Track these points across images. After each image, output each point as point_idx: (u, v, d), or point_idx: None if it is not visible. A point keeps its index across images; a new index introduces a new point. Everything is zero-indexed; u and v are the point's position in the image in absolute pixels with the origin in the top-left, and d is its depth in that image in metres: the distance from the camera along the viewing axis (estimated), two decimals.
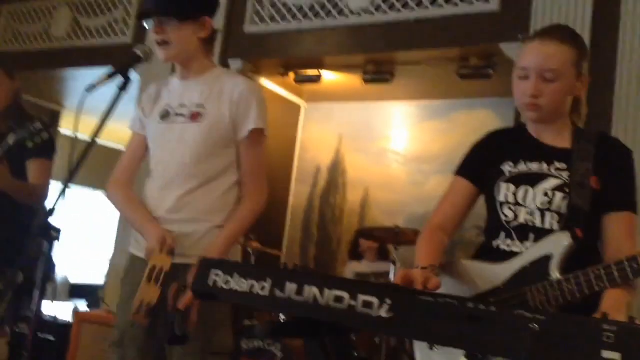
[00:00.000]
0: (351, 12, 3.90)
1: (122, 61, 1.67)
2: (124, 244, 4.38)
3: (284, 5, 4.15)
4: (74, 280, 7.64)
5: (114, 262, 4.49)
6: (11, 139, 2.21)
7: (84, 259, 7.33)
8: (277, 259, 4.74)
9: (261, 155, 1.89)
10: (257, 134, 1.85)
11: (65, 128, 5.89)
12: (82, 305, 5.89)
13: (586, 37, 3.09)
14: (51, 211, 1.50)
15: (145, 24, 1.85)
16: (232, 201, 1.86)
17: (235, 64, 4.21)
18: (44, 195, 2.49)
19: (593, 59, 3.09)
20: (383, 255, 4.44)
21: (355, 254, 4.52)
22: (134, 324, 1.77)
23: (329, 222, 5.25)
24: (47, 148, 2.49)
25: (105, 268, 6.29)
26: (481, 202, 1.72)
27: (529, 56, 1.55)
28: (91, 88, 1.55)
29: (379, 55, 4.10)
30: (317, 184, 5.34)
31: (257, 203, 1.86)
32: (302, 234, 5.32)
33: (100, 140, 1.58)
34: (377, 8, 3.81)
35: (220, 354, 1.80)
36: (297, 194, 5.39)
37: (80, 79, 5.33)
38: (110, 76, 1.62)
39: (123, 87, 1.64)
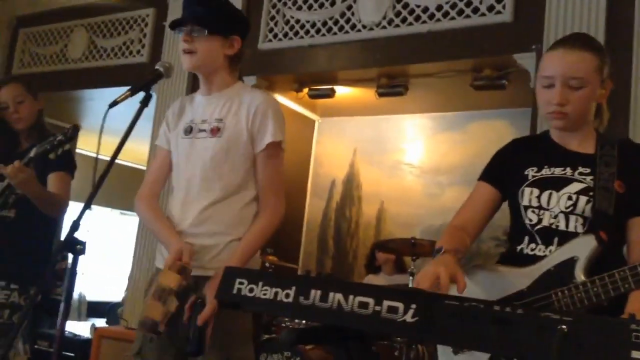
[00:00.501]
0: (363, 26, 3.93)
1: (144, 77, 1.70)
2: (142, 262, 4.42)
3: (297, 21, 4.20)
4: (91, 298, 7.70)
5: (133, 279, 4.51)
6: (33, 152, 2.27)
7: (101, 278, 7.38)
8: (294, 272, 4.74)
9: (278, 168, 1.91)
10: (274, 147, 1.87)
11: (83, 149, 5.96)
12: (100, 323, 5.92)
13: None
14: (76, 225, 1.52)
15: (177, 33, 1.89)
16: (252, 214, 1.87)
17: (250, 80, 4.25)
18: (64, 207, 2.52)
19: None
20: (400, 267, 4.43)
21: (372, 267, 4.51)
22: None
23: (344, 236, 5.25)
24: (67, 161, 2.56)
25: (122, 286, 6.33)
26: (500, 213, 1.72)
27: (553, 65, 1.56)
28: (114, 104, 1.58)
29: (392, 69, 4.12)
30: (332, 198, 5.35)
31: (275, 216, 1.87)
32: (318, 248, 5.33)
33: (97, 155, 1.61)
34: (390, 22, 3.84)
35: None
36: (313, 208, 5.40)
37: (97, 99, 5.40)
38: (133, 92, 1.65)
39: (145, 102, 1.68)
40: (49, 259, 2.38)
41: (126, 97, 1.62)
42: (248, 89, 1.98)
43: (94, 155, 1.70)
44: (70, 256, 1.53)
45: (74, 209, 2.59)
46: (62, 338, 1.58)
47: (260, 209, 1.88)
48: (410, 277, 3.69)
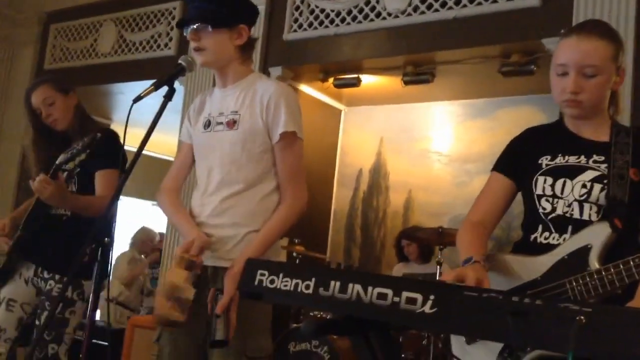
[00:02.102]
0: (389, 14, 3.90)
1: (167, 72, 1.73)
2: (173, 252, 4.50)
3: (322, 11, 4.19)
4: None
5: (163, 269, 4.59)
6: (58, 160, 2.26)
7: None
8: (321, 262, 4.77)
9: (296, 158, 1.88)
10: (289, 137, 1.85)
11: None
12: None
13: (630, 30, 3.00)
14: (104, 218, 1.56)
15: (184, 32, 1.90)
16: (272, 206, 1.87)
17: (276, 71, 4.27)
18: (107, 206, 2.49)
19: (638, 51, 3.01)
20: (425, 256, 4.41)
21: (402, 256, 4.52)
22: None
23: (372, 225, 5.25)
24: (111, 158, 2.47)
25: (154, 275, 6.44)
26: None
27: (567, 53, 1.53)
28: (138, 99, 1.61)
29: (418, 56, 4.08)
30: (359, 187, 5.34)
31: (294, 206, 1.86)
32: (346, 237, 5.34)
33: (132, 147, 1.64)
34: (415, 9, 3.80)
35: (259, 357, 1.82)
36: (340, 197, 5.40)
37: (127, 92, 5.49)
38: (156, 87, 1.67)
39: (168, 97, 1.70)
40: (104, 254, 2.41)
41: (150, 92, 1.64)
42: (262, 79, 1.97)
43: (126, 148, 1.74)
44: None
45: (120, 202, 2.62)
46: (93, 327, 1.62)
47: (281, 200, 1.88)
48: (438, 266, 3.68)
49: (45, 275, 2.44)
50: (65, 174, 2.40)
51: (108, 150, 2.45)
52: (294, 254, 4.10)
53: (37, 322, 2.43)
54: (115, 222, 1.59)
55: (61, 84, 2.58)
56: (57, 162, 2.26)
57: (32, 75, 5.70)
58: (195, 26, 1.84)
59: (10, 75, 5.89)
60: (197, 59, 1.88)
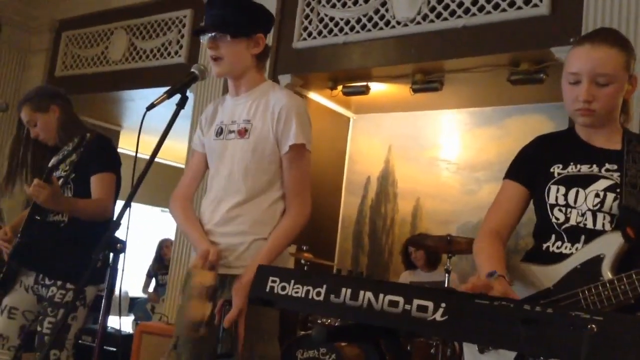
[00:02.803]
0: (398, 22, 3.92)
1: (179, 80, 1.74)
2: (181, 258, 4.52)
3: (331, 19, 4.21)
4: (133, 294, 7.89)
5: (172, 276, 4.61)
6: (51, 162, 2.28)
7: (142, 274, 7.54)
8: (329, 269, 4.77)
9: (303, 169, 1.91)
10: (298, 149, 1.87)
11: (125, 147, 6.11)
12: (141, 318, 6.08)
13: None
14: (116, 224, 1.57)
15: (201, 40, 1.92)
16: (278, 215, 1.89)
17: (285, 79, 4.29)
18: (106, 210, 2.49)
19: None
20: (432, 264, 4.41)
21: (410, 264, 4.51)
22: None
23: (380, 233, 5.25)
24: (107, 161, 2.53)
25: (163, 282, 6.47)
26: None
27: (579, 61, 1.53)
28: (151, 107, 1.63)
29: (427, 65, 4.09)
30: (368, 195, 5.35)
31: (300, 215, 1.89)
32: (354, 245, 5.34)
33: (144, 154, 1.65)
34: (424, 17, 3.81)
35: None
36: (348, 204, 5.41)
37: (137, 99, 5.54)
38: (169, 94, 1.69)
39: (181, 104, 1.72)
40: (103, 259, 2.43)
41: (163, 100, 1.66)
42: (275, 89, 1.98)
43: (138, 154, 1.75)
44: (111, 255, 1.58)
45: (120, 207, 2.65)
46: (104, 333, 1.63)
47: (286, 210, 1.90)
48: (447, 275, 3.67)
49: (47, 282, 2.45)
50: (61, 180, 2.42)
51: (101, 154, 2.50)
52: (302, 261, 4.11)
53: (38, 328, 2.43)
54: (127, 228, 1.60)
55: (39, 103, 2.57)
56: (49, 165, 2.28)
57: (44, 82, 5.75)
58: (213, 35, 1.85)
59: (22, 82, 5.95)
60: (214, 69, 1.90)
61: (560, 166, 1.60)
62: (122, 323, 4.20)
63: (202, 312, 1.72)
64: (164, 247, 6.59)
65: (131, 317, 6.71)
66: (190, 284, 1.78)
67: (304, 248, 4.15)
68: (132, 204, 1.61)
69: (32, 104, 2.57)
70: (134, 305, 7.32)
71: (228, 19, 1.86)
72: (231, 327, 1.70)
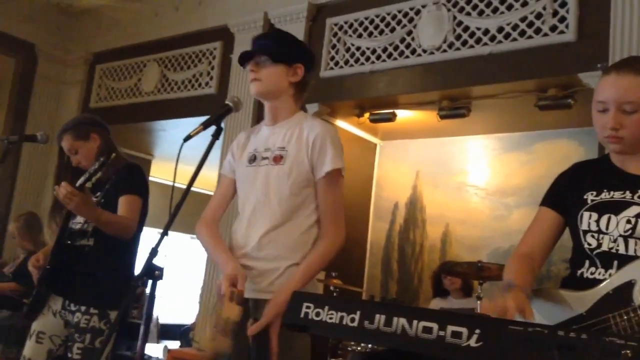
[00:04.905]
0: (424, 50, 3.97)
1: (215, 112, 1.81)
2: (212, 285, 4.56)
3: (358, 49, 4.28)
4: (163, 320, 7.95)
5: (202, 303, 4.65)
6: (80, 179, 2.35)
7: (172, 300, 7.62)
8: (358, 295, 4.75)
9: (338, 195, 1.95)
10: (333, 175, 1.92)
11: (155, 176, 6.23)
12: (171, 345, 6.12)
13: None
14: (154, 252, 1.62)
15: (245, 68, 2.00)
16: (312, 240, 1.92)
17: (312, 108, 4.35)
18: (131, 229, 2.53)
19: None
20: (467, 291, 4.36)
21: (440, 290, 4.47)
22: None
23: (409, 259, 5.23)
24: (137, 184, 2.61)
25: (191, 308, 6.52)
26: (568, 234, 1.71)
27: (606, 90, 1.56)
28: (188, 138, 1.69)
29: (454, 91, 4.12)
30: (396, 221, 5.34)
31: (334, 241, 1.91)
32: (382, 271, 5.32)
33: (179, 184, 1.71)
34: (450, 45, 3.85)
35: None
36: (376, 230, 5.41)
37: (169, 129, 5.66)
38: (205, 126, 1.75)
39: (216, 135, 1.78)
40: (127, 283, 2.48)
41: (199, 131, 1.72)
42: (308, 118, 2.05)
43: (165, 182, 1.81)
44: (150, 282, 1.63)
45: (150, 234, 2.71)
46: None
47: (321, 236, 1.93)
48: (478, 301, 3.63)
49: (72, 307, 2.50)
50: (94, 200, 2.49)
51: (131, 178, 2.59)
52: (331, 288, 4.11)
53: (68, 355, 2.48)
54: (165, 255, 1.65)
55: (80, 132, 2.67)
56: (76, 185, 2.33)
57: (79, 113, 5.94)
58: (256, 59, 1.95)
59: (58, 113, 6.15)
60: (252, 89, 1.98)
61: (594, 193, 1.61)
62: (150, 349, 4.24)
63: (225, 346, 1.73)
64: None
65: (161, 344, 6.76)
66: (218, 313, 1.80)
67: (333, 274, 4.16)
68: (160, 230, 1.66)
69: (73, 133, 2.67)
70: (164, 332, 7.37)
71: (271, 45, 1.97)
72: (260, 343, 1.71)
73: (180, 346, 6.23)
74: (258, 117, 4.34)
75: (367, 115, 4.65)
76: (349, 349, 3.76)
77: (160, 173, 6.54)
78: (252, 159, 2.01)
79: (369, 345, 3.23)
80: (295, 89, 2.01)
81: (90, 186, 2.44)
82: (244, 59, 1.99)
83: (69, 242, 2.53)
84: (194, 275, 7.51)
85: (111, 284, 2.51)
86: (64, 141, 2.67)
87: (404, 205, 5.34)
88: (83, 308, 2.48)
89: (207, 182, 6.11)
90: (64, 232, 2.51)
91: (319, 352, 3.91)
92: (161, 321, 8.03)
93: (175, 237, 8.67)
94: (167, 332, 7.66)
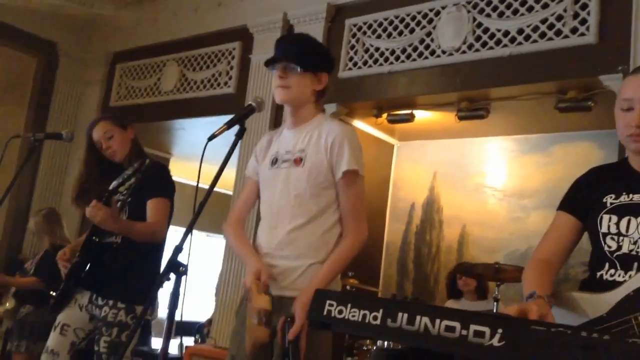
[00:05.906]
0: (443, 51, 3.97)
1: (238, 112, 1.84)
2: (229, 282, 4.60)
3: (377, 49, 4.29)
4: (178, 317, 8.02)
5: (219, 299, 4.69)
6: (111, 185, 2.42)
7: (187, 297, 7.69)
8: (374, 295, 4.76)
9: (358, 194, 1.99)
10: (352, 175, 1.96)
11: (174, 175, 6.27)
12: (186, 341, 6.16)
13: None
14: (179, 249, 1.65)
15: (270, 70, 2.04)
16: (334, 239, 1.97)
17: (331, 108, 4.37)
18: (159, 234, 2.61)
19: None
20: (482, 293, 4.34)
21: (454, 292, 4.45)
22: (245, 354, 1.90)
23: (425, 260, 5.23)
24: (163, 186, 2.67)
25: (206, 305, 6.57)
26: (586, 238, 1.71)
27: (633, 88, 1.57)
28: (212, 137, 1.72)
29: (473, 93, 4.11)
30: (412, 221, 5.34)
31: (356, 240, 1.96)
32: (398, 271, 5.33)
33: (197, 184, 1.75)
34: (470, 46, 3.85)
35: None
36: (392, 231, 5.42)
37: (188, 128, 5.71)
38: (229, 125, 1.78)
39: (240, 135, 1.81)
40: (153, 279, 2.53)
41: (223, 131, 1.75)
42: (327, 120, 2.09)
43: (183, 180, 1.85)
44: (173, 277, 1.66)
45: (175, 233, 2.76)
46: (165, 357, 1.70)
47: (343, 235, 1.97)
48: (495, 303, 3.63)
49: (100, 302, 2.56)
50: (119, 203, 2.54)
51: (158, 180, 2.65)
52: (347, 287, 4.13)
53: (95, 348, 2.53)
54: (189, 252, 1.68)
55: (120, 120, 2.80)
56: (110, 188, 2.42)
57: (99, 112, 6.00)
58: (284, 65, 1.98)
59: (78, 112, 6.23)
60: (279, 96, 2.01)
61: (613, 196, 1.61)
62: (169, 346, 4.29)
63: (264, 335, 1.78)
64: None
65: (177, 341, 6.82)
66: (248, 307, 1.85)
67: (349, 274, 4.18)
68: (178, 228, 1.69)
69: (114, 119, 2.78)
70: (178, 328, 7.42)
71: (300, 54, 1.99)
72: (296, 342, 1.76)
73: (195, 342, 6.28)
74: (276, 119, 4.36)
75: (385, 115, 4.65)
76: (365, 348, 3.77)
77: (178, 172, 6.56)
78: (274, 162, 2.06)
79: (386, 344, 3.25)
80: (317, 96, 2.06)
81: (124, 193, 2.49)
82: (270, 61, 2.02)
83: (96, 239, 2.59)
84: (209, 272, 7.57)
85: (138, 279, 2.57)
86: (100, 127, 2.72)
87: (421, 206, 5.34)
88: (111, 302, 2.54)
89: (224, 182, 6.17)
90: (94, 229, 2.56)
91: (335, 351, 3.93)
92: (177, 317, 8.10)
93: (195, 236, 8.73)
94: (180, 328, 7.72)
